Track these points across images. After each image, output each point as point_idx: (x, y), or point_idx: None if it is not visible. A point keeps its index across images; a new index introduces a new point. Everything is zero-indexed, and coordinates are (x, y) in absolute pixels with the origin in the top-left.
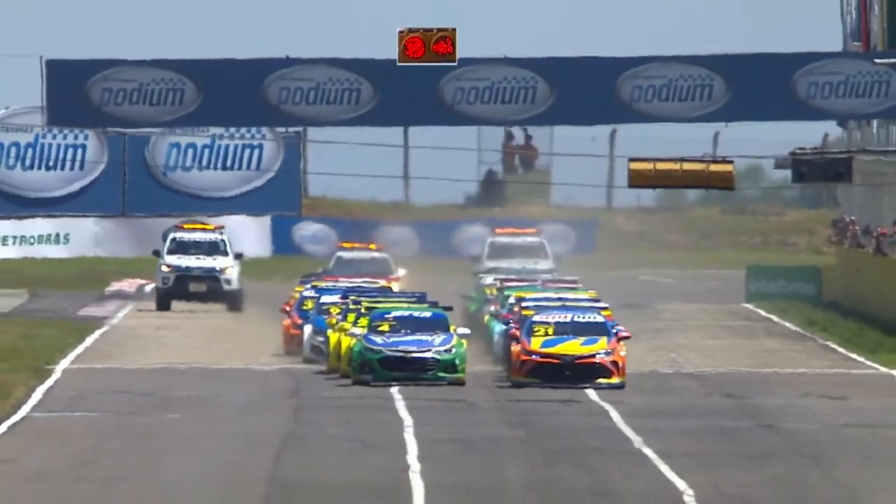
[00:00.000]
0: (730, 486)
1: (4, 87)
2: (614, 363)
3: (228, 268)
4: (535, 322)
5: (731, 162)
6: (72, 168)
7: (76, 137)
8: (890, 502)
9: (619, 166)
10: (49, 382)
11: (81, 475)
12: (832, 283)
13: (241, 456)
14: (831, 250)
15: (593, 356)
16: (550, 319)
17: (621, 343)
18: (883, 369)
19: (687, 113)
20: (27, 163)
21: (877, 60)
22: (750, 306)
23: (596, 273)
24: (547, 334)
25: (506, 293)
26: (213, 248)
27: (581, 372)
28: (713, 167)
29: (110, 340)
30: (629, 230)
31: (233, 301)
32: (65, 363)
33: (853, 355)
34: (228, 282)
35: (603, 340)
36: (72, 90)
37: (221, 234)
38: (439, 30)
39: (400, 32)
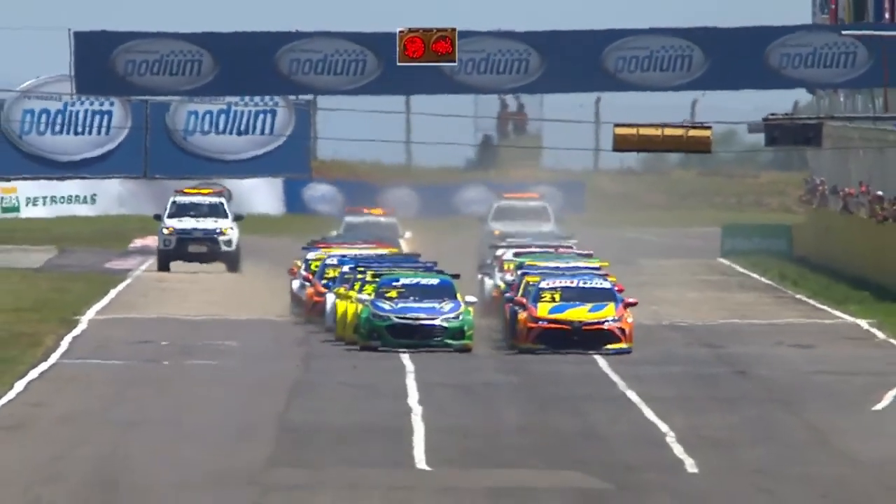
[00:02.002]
0: (707, 428)
1: (35, 58)
2: (621, 329)
3: (228, 229)
4: (542, 288)
5: (708, 127)
6: (98, 133)
7: (102, 105)
8: (856, 443)
9: (605, 132)
10: (76, 332)
11: (107, 418)
12: (802, 240)
13: (254, 401)
14: (802, 209)
15: (601, 322)
16: (557, 285)
17: (628, 309)
18: (849, 319)
19: (667, 82)
20: (56, 128)
21: (844, 32)
22: (726, 262)
23: (584, 231)
24: (554, 300)
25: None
26: (213, 211)
27: (589, 338)
28: (692, 132)
29: (133, 293)
30: (614, 191)
31: (231, 262)
32: (91, 314)
33: (822, 306)
34: (228, 243)
35: (610, 306)
36: (98, 60)
37: (220, 197)
38: (439, 30)
39: (400, 32)
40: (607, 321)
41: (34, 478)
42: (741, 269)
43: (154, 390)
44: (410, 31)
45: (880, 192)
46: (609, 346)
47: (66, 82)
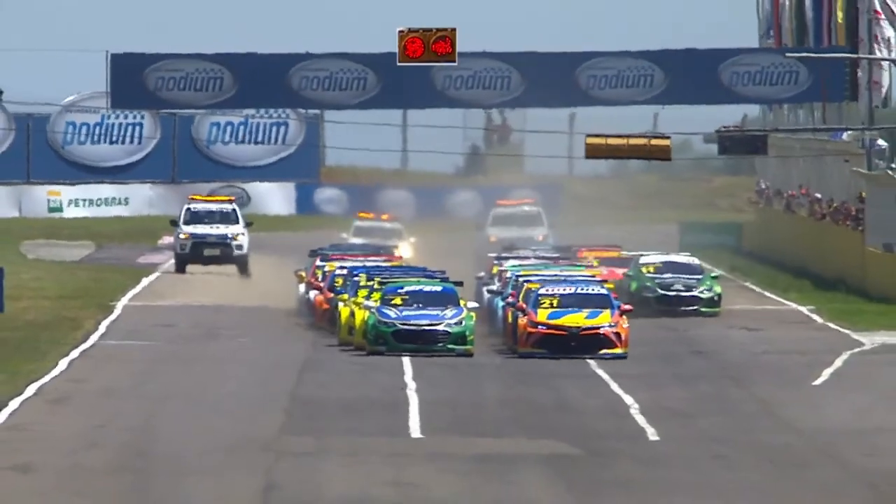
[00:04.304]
0: (668, 401)
1: (76, 76)
2: (617, 335)
3: (239, 234)
4: (541, 294)
5: (668, 137)
6: (131, 142)
7: (134, 117)
8: (797, 414)
9: (578, 142)
10: (112, 316)
11: (141, 392)
12: (750, 237)
13: (269, 377)
14: (750, 209)
15: (598, 328)
16: (556, 292)
17: (624, 316)
18: (792, 305)
19: (632, 97)
20: (94, 138)
21: (787, 54)
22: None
23: (562, 230)
24: (552, 306)
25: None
26: (225, 218)
27: (586, 343)
28: (653, 142)
29: (162, 283)
30: (586, 194)
31: (242, 264)
32: (125, 301)
33: (768, 294)
34: (240, 247)
35: (607, 313)
36: (131, 78)
37: (232, 204)
38: (438, 30)
39: (400, 32)
40: (604, 327)
41: (76, 444)
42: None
43: (181, 368)
44: (410, 31)
45: (818, 195)
46: (605, 351)
47: (102, 98)
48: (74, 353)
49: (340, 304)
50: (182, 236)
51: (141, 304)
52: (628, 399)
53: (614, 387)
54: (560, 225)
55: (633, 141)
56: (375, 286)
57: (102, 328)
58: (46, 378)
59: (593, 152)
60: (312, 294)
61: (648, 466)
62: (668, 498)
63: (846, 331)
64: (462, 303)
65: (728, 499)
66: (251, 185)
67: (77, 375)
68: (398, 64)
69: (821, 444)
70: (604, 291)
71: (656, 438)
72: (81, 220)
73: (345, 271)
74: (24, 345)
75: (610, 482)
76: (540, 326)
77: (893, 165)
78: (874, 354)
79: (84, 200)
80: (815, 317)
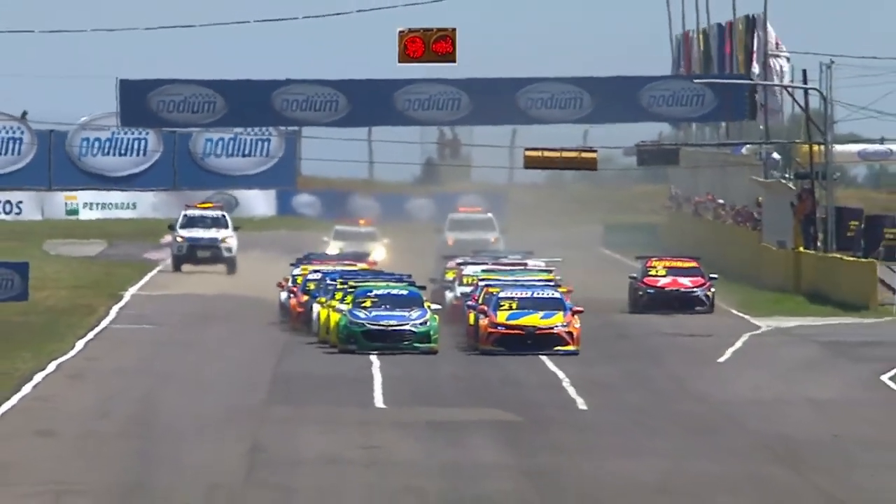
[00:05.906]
0: (595, 376)
1: (90, 99)
2: (570, 333)
3: (228, 238)
4: (501, 298)
5: (595, 151)
6: (137, 155)
7: (140, 134)
8: (706, 387)
9: (518, 155)
10: (122, 304)
11: (146, 370)
12: (665, 236)
13: (255, 358)
14: (664, 213)
15: (552, 328)
16: (514, 296)
17: (575, 316)
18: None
19: (565, 117)
20: (106, 152)
21: (696, 80)
22: (607, 251)
23: (511, 234)
24: (511, 308)
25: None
26: (216, 223)
27: (541, 341)
28: (583, 155)
29: (164, 275)
30: (527, 201)
31: (230, 265)
32: (133, 291)
33: None
34: (229, 250)
35: (560, 314)
36: (137, 101)
37: (222, 211)
38: (439, 30)
39: (400, 32)
40: (557, 327)
41: (91, 414)
42: (619, 257)
43: (180, 349)
44: (411, 31)
45: (721, 200)
46: (558, 348)
47: (113, 117)
48: (90, 336)
49: (317, 307)
50: (178, 239)
51: (146, 293)
52: (561, 374)
53: (550, 364)
54: (510, 229)
55: (565, 154)
56: (349, 289)
57: (113, 314)
58: (65, 357)
59: (531, 163)
60: (283, 296)
61: (579, 432)
62: (596, 459)
63: (745, 316)
64: (427, 305)
65: (648, 459)
66: (239, 192)
67: (91, 355)
68: (398, 64)
69: (726, 413)
70: (557, 295)
71: (585, 408)
72: (95, 221)
73: (318, 276)
74: (46, 328)
75: (546, 445)
76: (499, 327)
77: (786, 175)
78: (768, 336)
79: (97, 205)
80: (719, 304)
